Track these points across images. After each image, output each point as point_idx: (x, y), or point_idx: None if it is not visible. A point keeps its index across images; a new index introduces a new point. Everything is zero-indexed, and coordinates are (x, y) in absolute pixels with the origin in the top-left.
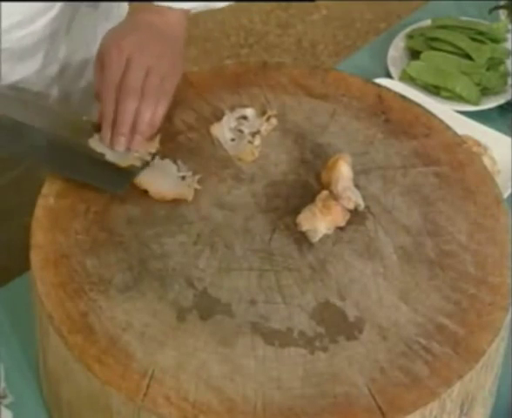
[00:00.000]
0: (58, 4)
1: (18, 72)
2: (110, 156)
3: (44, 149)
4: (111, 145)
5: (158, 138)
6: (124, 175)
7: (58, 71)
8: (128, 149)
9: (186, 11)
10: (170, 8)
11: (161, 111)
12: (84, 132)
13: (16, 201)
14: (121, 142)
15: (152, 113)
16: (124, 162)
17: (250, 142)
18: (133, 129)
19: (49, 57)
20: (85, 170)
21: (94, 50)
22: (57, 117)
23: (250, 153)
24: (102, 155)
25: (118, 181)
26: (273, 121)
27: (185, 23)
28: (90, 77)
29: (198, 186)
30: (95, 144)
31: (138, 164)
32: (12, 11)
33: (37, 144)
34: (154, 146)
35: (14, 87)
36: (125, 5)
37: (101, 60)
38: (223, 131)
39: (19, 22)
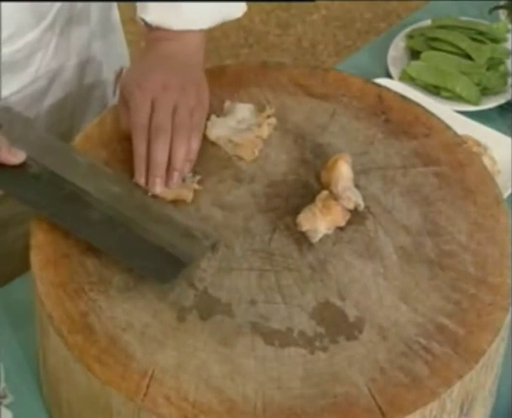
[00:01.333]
0: (48, 18)
1: (10, 86)
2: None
3: (103, 227)
4: (149, 188)
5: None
6: (176, 264)
7: (51, 81)
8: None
9: (205, 32)
10: (188, 31)
11: (195, 144)
12: (147, 210)
13: (16, 209)
14: (157, 184)
15: (186, 149)
16: (170, 194)
17: (250, 131)
18: (169, 167)
19: (41, 69)
20: (136, 254)
21: (87, 55)
22: (122, 190)
23: (250, 153)
24: (157, 237)
25: (168, 270)
26: (273, 120)
27: (203, 45)
28: (84, 81)
29: (197, 187)
30: None
31: (186, 194)
32: (2, 26)
33: (96, 220)
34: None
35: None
36: (116, 14)
37: (125, 101)
38: (221, 132)
39: (10, 36)
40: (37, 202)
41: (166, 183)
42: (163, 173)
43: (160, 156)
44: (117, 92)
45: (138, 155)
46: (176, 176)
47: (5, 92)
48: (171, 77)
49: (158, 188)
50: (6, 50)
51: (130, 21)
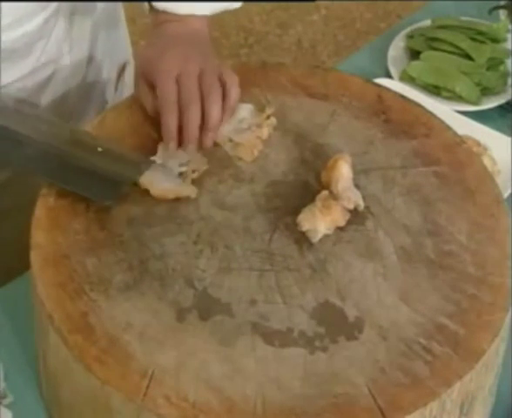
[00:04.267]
0: (52, 6)
1: (10, 74)
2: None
3: (39, 160)
4: (184, 150)
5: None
6: (115, 186)
7: (52, 73)
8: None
9: (207, 17)
10: (191, 16)
11: (234, 95)
12: (83, 144)
13: (11, 202)
14: (192, 148)
15: (219, 107)
16: (171, 193)
17: (250, 132)
18: (205, 128)
19: (42, 59)
20: (77, 180)
21: (89, 50)
22: (54, 129)
23: (250, 153)
24: (93, 165)
25: (108, 192)
26: (273, 120)
27: (207, 29)
28: (86, 77)
29: (194, 176)
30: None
31: (189, 191)
32: (2, 13)
33: (32, 154)
34: (203, 163)
35: (12, 97)
36: (121, 9)
37: (148, 80)
38: (221, 131)
39: (10, 24)
40: None
41: (202, 144)
42: (197, 139)
43: (195, 122)
44: (121, 89)
45: (168, 126)
46: (210, 136)
47: (5, 80)
48: (188, 51)
49: (195, 149)
50: (6, 37)
51: (130, 21)
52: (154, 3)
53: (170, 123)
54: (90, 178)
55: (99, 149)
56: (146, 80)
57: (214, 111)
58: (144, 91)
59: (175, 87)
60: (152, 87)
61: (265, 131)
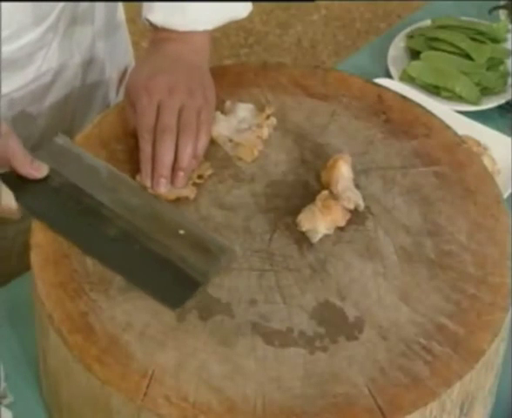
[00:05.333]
0: (51, 17)
1: (12, 83)
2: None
3: (113, 243)
4: (153, 188)
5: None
6: (190, 283)
7: (53, 79)
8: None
9: (210, 32)
10: (193, 32)
11: (202, 143)
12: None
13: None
14: (162, 183)
15: (192, 148)
16: (171, 193)
17: (250, 131)
18: (175, 166)
19: (43, 68)
20: (148, 275)
21: (89, 55)
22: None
23: (250, 153)
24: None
25: (181, 291)
26: (273, 120)
27: (209, 46)
28: (86, 80)
29: (198, 180)
30: None
31: (188, 192)
32: (3, 25)
33: (108, 233)
34: (207, 168)
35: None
36: (122, 13)
37: (131, 101)
38: (221, 131)
39: (10, 35)
40: (54, 219)
41: (172, 182)
42: (168, 173)
43: (166, 155)
44: (122, 92)
45: (144, 156)
46: (181, 176)
47: (6, 89)
48: (177, 80)
49: (163, 188)
50: (6, 48)
51: (130, 21)
52: (154, 19)
53: (145, 151)
54: (164, 274)
55: (181, 231)
56: (130, 99)
57: (185, 151)
58: (128, 109)
59: (154, 115)
60: (134, 109)
61: (265, 131)
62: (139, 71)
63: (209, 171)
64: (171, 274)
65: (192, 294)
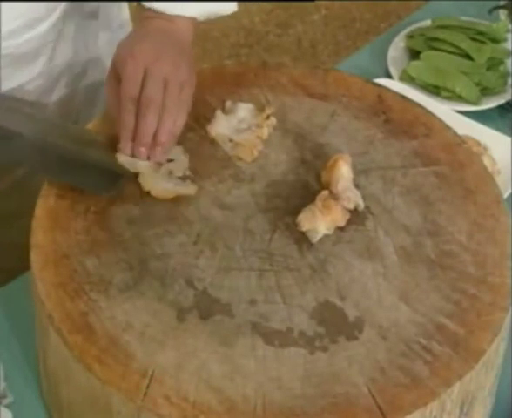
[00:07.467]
0: (58, 11)
1: (18, 78)
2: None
3: (34, 154)
4: (133, 156)
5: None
6: (114, 178)
7: (58, 75)
8: (148, 159)
9: (195, 19)
10: (179, 16)
11: (181, 121)
12: (81, 139)
13: (16, 205)
14: (143, 153)
15: (173, 124)
16: (171, 193)
17: (250, 131)
18: (154, 140)
19: (50, 63)
20: (74, 174)
21: (95, 52)
22: (50, 126)
23: (250, 153)
24: (91, 159)
25: (107, 184)
26: (273, 120)
27: (192, 31)
28: (91, 79)
29: (190, 173)
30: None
31: (188, 190)
32: (11, 17)
33: (28, 151)
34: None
35: (11, 97)
36: (126, 11)
37: (117, 72)
38: (221, 130)
39: (19, 28)
40: None
41: (150, 155)
42: (149, 144)
43: (148, 127)
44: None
45: (125, 125)
46: (159, 150)
47: (12, 84)
48: (163, 50)
49: (144, 157)
50: (13, 42)
51: (134, 20)
52: (143, 3)
53: (126, 121)
54: (88, 172)
55: (97, 143)
56: (114, 71)
57: (166, 127)
58: (109, 80)
59: (139, 83)
60: (119, 80)
61: (265, 131)
62: (126, 42)
63: (186, 166)
64: (95, 171)
65: (118, 184)
